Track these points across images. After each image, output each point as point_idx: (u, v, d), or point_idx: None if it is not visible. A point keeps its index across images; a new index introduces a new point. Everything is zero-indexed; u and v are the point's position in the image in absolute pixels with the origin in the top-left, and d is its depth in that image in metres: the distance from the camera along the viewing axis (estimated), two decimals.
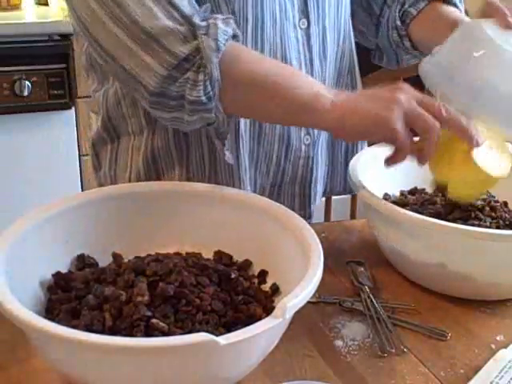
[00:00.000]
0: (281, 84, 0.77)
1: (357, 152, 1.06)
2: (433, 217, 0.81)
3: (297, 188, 1.02)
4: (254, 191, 0.98)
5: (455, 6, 1.00)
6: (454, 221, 0.84)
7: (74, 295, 0.69)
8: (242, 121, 0.92)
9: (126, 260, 0.76)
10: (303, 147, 0.99)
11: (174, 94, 0.77)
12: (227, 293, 0.70)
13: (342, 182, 1.10)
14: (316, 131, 0.99)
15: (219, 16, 0.78)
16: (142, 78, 0.77)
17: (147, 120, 0.94)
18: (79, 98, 1.91)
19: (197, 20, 0.75)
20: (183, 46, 0.74)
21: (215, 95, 0.76)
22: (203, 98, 0.76)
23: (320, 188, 1.08)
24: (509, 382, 0.68)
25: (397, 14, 1.02)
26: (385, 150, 0.97)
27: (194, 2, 0.79)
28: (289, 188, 1.02)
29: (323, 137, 1.03)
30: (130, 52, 0.76)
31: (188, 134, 0.93)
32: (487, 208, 0.87)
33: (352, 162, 0.90)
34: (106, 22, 0.76)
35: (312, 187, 1.04)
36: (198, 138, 0.93)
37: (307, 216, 1.04)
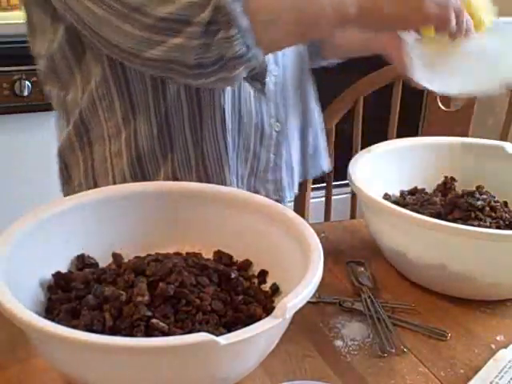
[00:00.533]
0: (303, 15, 0.74)
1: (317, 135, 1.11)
2: (433, 217, 0.81)
3: (270, 175, 1.04)
4: (237, 181, 0.99)
5: None
6: (454, 221, 0.84)
7: (74, 295, 0.69)
8: (227, 109, 0.92)
9: (126, 260, 0.76)
10: (274, 134, 1.01)
11: (213, 59, 0.75)
12: (227, 293, 0.70)
13: (314, 165, 1.13)
14: (284, 116, 1.01)
15: None
16: (177, 59, 0.75)
17: (126, 121, 0.92)
18: None
19: None
20: (203, 13, 0.72)
21: (251, 41, 0.75)
22: (242, 50, 0.74)
23: (296, 174, 1.10)
24: (509, 382, 0.68)
25: None
26: (384, 150, 0.97)
27: None
28: (263, 175, 1.03)
29: (293, 124, 1.05)
30: (156, 43, 0.75)
31: (171, 127, 0.92)
32: (487, 208, 0.87)
33: (352, 162, 0.91)
34: (120, 25, 0.75)
35: (284, 172, 1.05)
36: (181, 129, 0.93)
37: (281, 201, 1.06)
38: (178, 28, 0.73)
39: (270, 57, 0.95)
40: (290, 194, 1.08)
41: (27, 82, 1.80)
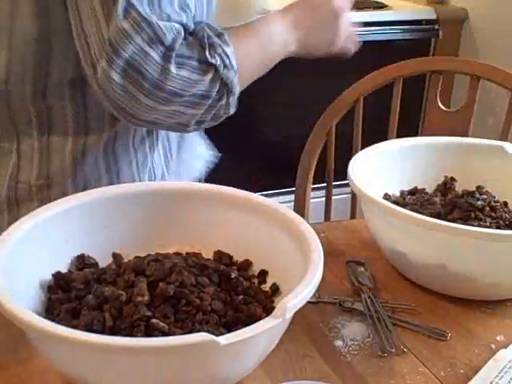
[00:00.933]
0: (266, 61, 0.94)
1: None
2: (433, 217, 0.81)
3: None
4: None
5: None
6: (453, 221, 0.84)
7: (74, 295, 0.69)
8: None
9: (125, 260, 0.76)
10: None
11: (210, 117, 0.86)
12: (227, 293, 0.70)
13: None
14: None
15: (214, 36, 0.83)
16: (185, 122, 0.85)
17: (144, 145, 0.99)
18: None
19: (216, 61, 0.82)
20: (215, 88, 0.83)
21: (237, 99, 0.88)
22: (233, 110, 0.88)
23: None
24: (509, 382, 0.68)
25: None
26: (384, 150, 0.98)
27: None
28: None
29: None
30: (182, 114, 0.83)
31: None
32: (487, 208, 0.87)
33: (352, 162, 0.91)
34: (158, 108, 0.80)
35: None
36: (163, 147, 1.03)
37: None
38: (199, 102, 0.83)
39: None
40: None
41: None
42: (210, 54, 0.82)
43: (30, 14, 0.82)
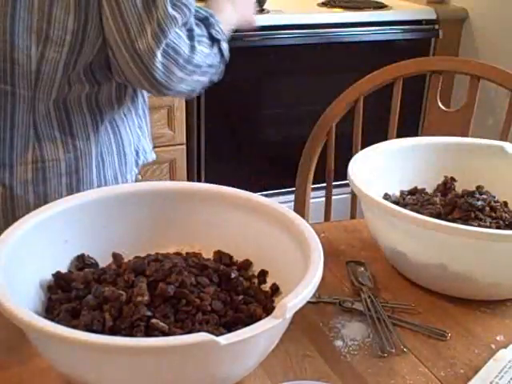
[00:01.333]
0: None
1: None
2: (433, 217, 0.81)
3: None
4: None
5: None
6: (453, 221, 0.84)
7: (74, 295, 0.69)
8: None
9: (126, 260, 0.76)
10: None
11: (208, 82, 1.03)
12: (227, 293, 0.70)
13: None
14: None
15: (209, 16, 1.00)
16: (194, 90, 1.01)
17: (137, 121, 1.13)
18: None
19: (219, 37, 1.00)
20: (217, 59, 1.01)
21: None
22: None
23: None
24: (509, 382, 0.68)
25: None
26: (384, 150, 0.98)
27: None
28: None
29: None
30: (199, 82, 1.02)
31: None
32: (487, 208, 0.88)
33: (352, 162, 0.91)
34: (187, 78, 0.97)
35: None
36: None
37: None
38: (208, 71, 1.01)
39: None
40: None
41: None
42: (213, 31, 1.00)
43: (68, 6, 0.88)
